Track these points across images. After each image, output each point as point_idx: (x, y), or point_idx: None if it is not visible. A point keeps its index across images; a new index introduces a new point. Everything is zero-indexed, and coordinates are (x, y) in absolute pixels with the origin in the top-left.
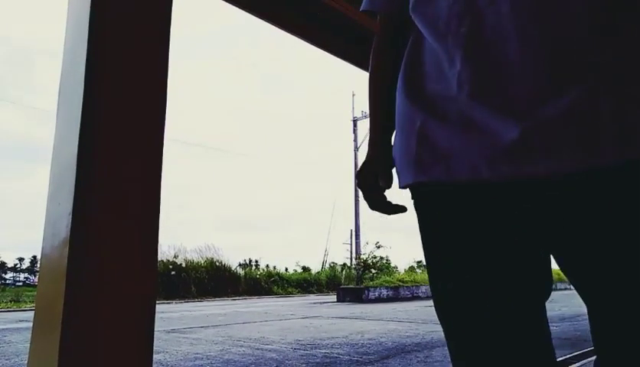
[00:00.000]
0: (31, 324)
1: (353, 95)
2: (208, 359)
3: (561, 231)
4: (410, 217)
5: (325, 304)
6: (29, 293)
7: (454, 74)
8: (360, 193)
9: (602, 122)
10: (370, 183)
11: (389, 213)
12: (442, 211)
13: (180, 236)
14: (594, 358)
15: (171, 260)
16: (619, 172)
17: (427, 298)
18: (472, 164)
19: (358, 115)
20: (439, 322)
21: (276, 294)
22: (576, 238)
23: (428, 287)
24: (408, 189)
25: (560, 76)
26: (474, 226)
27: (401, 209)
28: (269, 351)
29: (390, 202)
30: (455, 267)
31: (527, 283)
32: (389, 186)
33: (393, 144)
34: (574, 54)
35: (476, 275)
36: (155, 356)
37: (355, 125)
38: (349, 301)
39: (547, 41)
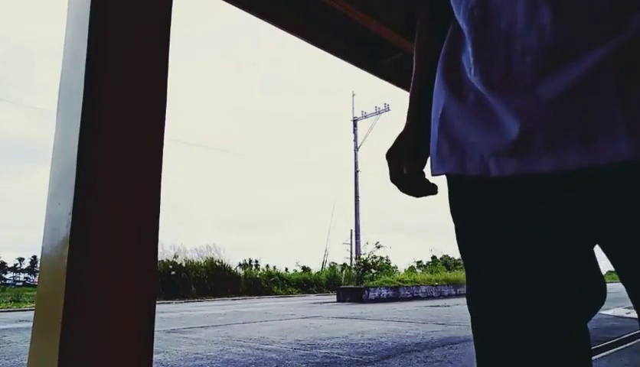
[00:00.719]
0: (30, 324)
1: (353, 95)
2: (208, 359)
3: (583, 239)
4: (411, 217)
5: (325, 304)
6: (29, 293)
7: (467, 55)
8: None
9: (614, 103)
10: (397, 162)
11: (415, 195)
12: (462, 204)
13: (180, 236)
14: (600, 356)
15: (171, 260)
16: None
17: (427, 298)
18: (482, 157)
19: (358, 115)
20: (439, 322)
21: (276, 294)
22: (602, 244)
23: (427, 287)
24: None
25: (569, 40)
26: (492, 225)
27: (430, 190)
28: (269, 351)
29: (417, 183)
30: (477, 265)
31: (546, 289)
32: (414, 168)
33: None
34: (589, 11)
35: (490, 277)
36: (155, 356)
37: (355, 125)
38: (349, 301)
39: None
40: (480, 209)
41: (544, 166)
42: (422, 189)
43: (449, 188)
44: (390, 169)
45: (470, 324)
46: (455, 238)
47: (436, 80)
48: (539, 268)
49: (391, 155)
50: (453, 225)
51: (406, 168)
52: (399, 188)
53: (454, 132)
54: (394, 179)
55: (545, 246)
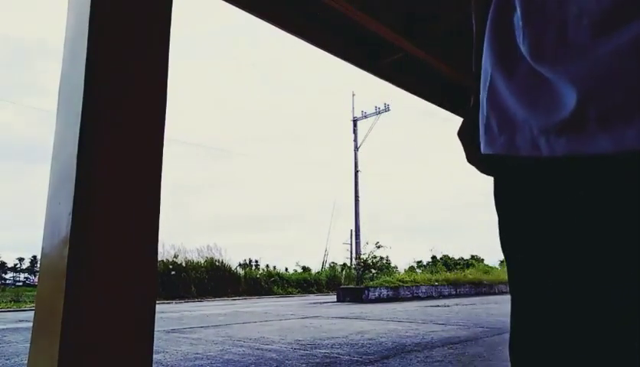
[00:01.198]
0: (30, 324)
1: (353, 95)
2: (208, 359)
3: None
4: (411, 217)
5: (325, 304)
6: (29, 293)
7: (517, 20)
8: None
9: None
10: (469, 140)
11: (481, 171)
12: (511, 188)
13: (180, 236)
14: None
15: (171, 260)
16: None
17: (427, 298)
18: (532, 135)
19: (358, 115)
20: (439, 322)
21: (276, 294)
22: None
23: (427, 287)
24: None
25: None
26: (544, 210)
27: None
28: (269, 351)
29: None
30: (525, 250)
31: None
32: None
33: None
34: None
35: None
36: (154, 356)
37: (355, 125)
38: (349, 301)
39: None
40: (531, 193)
41: (601, 146)
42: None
43: (498, 171)
44: (463, 149)
45: (512, 310)
46: (498, 225)
47: (485, 40)
48: (590, 253)
49: (461, 133)
50: (497, 210)
51: (468, 143)
52: (477, 169)
53: (503, 106)
54: (470, 159)
55: (597, 232)
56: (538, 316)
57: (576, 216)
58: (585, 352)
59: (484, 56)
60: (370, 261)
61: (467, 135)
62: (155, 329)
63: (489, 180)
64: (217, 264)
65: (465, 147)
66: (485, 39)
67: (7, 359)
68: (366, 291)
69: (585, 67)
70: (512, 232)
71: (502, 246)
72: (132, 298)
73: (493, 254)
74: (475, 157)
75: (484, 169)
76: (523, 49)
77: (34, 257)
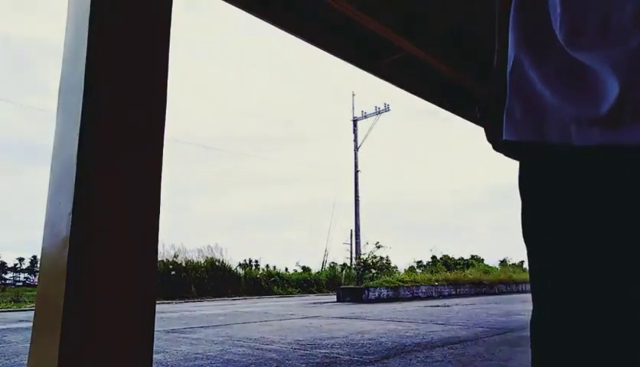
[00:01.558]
0: (30, 324)
1: (353, 95)
2: (208, 359)
3: None
4: (411, 217)
5: (325, 304)
6: (29, 293)
7: (554, 5)
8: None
9: None
10: (491, 119)
11: (501, 152)
12: (539, 177)
13: (180, 236)
14: None
15: (171, 260)
16: None
17: (427, 298)
18: (564, 123)
19: (358, 115)
20: (439, 322)
21: (276, 294)
22: None
23: (427, 287)
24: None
25: None
26: (577, 201)
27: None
28: (269, 351)
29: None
30: (553, 241)
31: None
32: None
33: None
34: None
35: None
36: (154, 356)
37: (355, 125)
38: (349, 301)
39: None
40: (560, 180)
41: (637, 136)
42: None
43: (523, 157)
44: (484, 129)
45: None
46: (521, 212)
47: (511, 22)
48: (618, 243)
49: (485, 116)
50: (521, 195)
51: (487, 122)
52: (498, 151)
53: (530, 91)
54: (491, 139)
55: (627, 223)
56: (560, 304)
57: (606, 206)
58: (605, 342)
59: (510, 28)
60: (370, 261)
61: (489, 116)
62: (155, 329)
63: (489, 181)
64: (217, 264)
65: (485, 127)
66: (512, 21)
67: (7, 359)
68: (366, 291)
69: (626, 56)
70: (539, 218)
71: (525, 230)
72: (132, 298)
73: (493, 255)
74: (494, 138)
75: (506, 152)
76: (559, 34)
77: (34, 257)
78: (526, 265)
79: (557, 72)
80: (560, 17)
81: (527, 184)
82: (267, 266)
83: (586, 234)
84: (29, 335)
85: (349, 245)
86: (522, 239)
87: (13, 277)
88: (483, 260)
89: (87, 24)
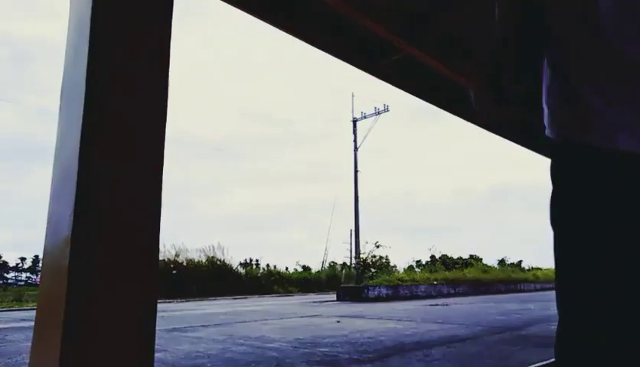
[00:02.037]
0: (32, 323)
1: (352, 96)
2: (209, 358)
3: None
4: (411, 217)
5: (325, 303)
6: (31, 292)
7: (607, 18)
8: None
9: None
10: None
11: (486, 114)
12: (583, 176)
13: (181, 236)
14: None
15: (172, 259)
16: None
17: (426, 297)
18: (611, 128)
19: (358, 115)
20: (438, 321)
21: (277, 293)
22: None
23: (427, 286)
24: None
25: None
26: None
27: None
28: (270, 349)
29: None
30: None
31: None
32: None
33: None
34: None
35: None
36: (156, 355)
37: (355, 126)
38: (349, 300)
39: None
40: (601, 182)
41: None
42: (497, 114)
43: (562, 153)
44: (474, 96)
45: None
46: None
47: (557, 33)
48: None
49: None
50: (556, 188)
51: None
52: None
53: (576, 93)
54: (478, 104)
55: None
56: (586, 298)
57: None
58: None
59: (553, 45)
60: (369, 261)
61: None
62: (157, 327)
63: (489, 181)
64: (218, 263)
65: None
66: (557, 31)
67: (9, 358)
68: (365, 290)
69: None
70: (572, 208)
71: (558, 222)
72: (134, 297)
73: (491, 254)
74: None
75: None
76: (615, 44)
77: (36, 256)
78: (524, 265)
79: (607, 77)
80: (617, 31)
81: (563, 180)
82: (268, 265)
83: (617, 231)
84: (31, 334)
85: (349, 245)
86: (549, 223)
87: (15, 276)
88: (482, 259)
89: (89, 23)
